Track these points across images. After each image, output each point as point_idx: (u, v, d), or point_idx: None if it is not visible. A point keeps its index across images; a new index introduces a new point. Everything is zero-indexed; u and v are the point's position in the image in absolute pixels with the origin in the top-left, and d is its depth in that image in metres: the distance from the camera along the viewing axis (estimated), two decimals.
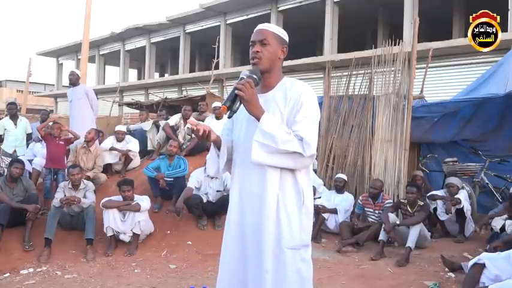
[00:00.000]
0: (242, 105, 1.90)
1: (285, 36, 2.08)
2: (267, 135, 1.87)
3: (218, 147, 2.12)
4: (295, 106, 1.96)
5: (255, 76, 1.94)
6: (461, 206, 5.47)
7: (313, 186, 6.04)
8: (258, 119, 1.90)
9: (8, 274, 4.39)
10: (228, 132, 2.20)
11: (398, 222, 5.08)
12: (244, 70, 1.99)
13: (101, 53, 28.19)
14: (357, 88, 6.91)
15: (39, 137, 6.74)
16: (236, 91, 1.87)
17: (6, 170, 5.63)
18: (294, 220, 1.98)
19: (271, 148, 1.87)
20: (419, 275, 4.27)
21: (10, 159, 6.13)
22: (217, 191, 5.57)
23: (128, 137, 7.26)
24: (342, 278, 4.21)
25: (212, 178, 5.64)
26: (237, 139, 2.10)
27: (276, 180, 1.95)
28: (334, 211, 5.78)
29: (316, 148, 1.95)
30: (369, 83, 6.75)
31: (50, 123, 6.27)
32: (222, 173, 2.20)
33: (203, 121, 7.76)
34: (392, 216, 5.15)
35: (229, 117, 1.94)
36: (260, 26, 2.07)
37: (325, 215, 5.72)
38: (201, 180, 5.68)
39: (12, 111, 7.57)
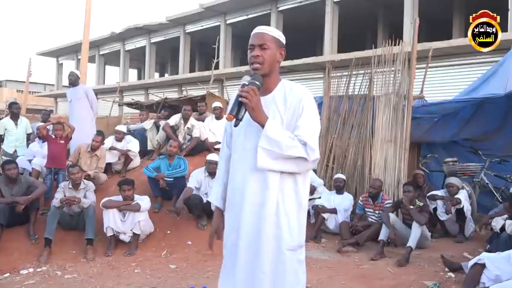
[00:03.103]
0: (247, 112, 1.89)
1: (282, 39, 2.07)
2: (272, 142, 1.88)
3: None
4: (296, 110, 1.97)
5: (257, 82, 1.92)
6: (461, 206, 5.47)
7: (313, 186, 6.04)
8: (262, 126, 1.90)
9: (8, 274, 4.40)
10: (229, 142, 2.20)
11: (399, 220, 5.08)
12: (246, 76, 1.98)
13: (101, 53, 28.19)
14: (357, 88, 6.90)
15: (36, 133, 6.73)
16: (241, 99, 1.86)
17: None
18: (293, 222, 1.99)
19: (276, 154, 1.89)
20: (419, 275, 4.27)
21: (10, 159, 6.13)
22: None
23: (128, 137, 7.26)
24: (342, 278, 4.20)
25: (212, 178, 5.64)
26: (236, 140, 2.10)
27: (276, 183, 1.96)
28: (334, 211, 5.78)
29: None
30: (369, 83, 6.75)
31: (51, 126, 6.28)
32: None
33: (203, 121, 7.76)
34: (392, 217, 5.15)
35: (235, 125, 1.93)
36: (259, 30, 2.05)
37: (325, 215, 5.72)
38: (201, 180, 5.68)
39: (18, 110, 7.60)
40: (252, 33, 2.05)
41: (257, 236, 1.97)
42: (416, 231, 4.81)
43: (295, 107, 1.97)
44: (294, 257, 1.99)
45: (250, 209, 1.99)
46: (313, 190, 6.00)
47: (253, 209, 1.98)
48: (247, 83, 1.92)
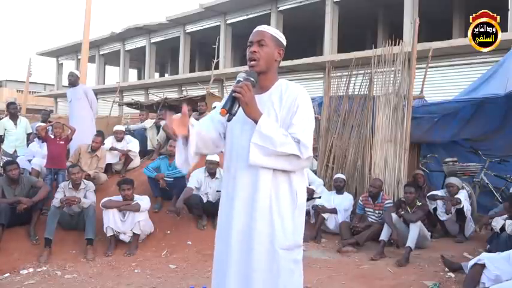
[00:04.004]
0: (241, 108, 1.91)
1: (282, 39, 2.09)
2: (265, 138, 1.88)
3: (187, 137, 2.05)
4: (291, 108, 1.98)
5: (252, 79, 1.95)
6: (461, 206, 5.46)
7: (311, 189, 6.03)
8: (256, 122, 1.91)
9: (8, 274, 4.40)
10: (218, 124, 2.12)
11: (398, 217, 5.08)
12: (241, 73, 2.00)
13: (101, 53, 28.20)
14: (357, 88, 6.90)
15: (35, 133, 6.73)
16: (234, 94, 1.88)
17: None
18: (287, 221, 1.98)
19: (269, 150, 1.89)
20: (419, 275, 4.27)
21: (10, 159, 6.12)
22: (217, 191, 5.56)
23: (127, 137, 7.27)
24: (342, 278, 4.20)
25: (212, 178, 5.65)
26: (232, 137, 2.09)
27: (268, 181, 1.95)
28: (333, 211, 5.78)
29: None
30: (369, 83, 6.74)
31: (49, 127, 6.28)
32: (192, 161, 2.10)
33: None
34: (394, 217, 5.15)
35: (228, 120, 1.93)
36: (259, 28, 2.08)
37: (325, 215, 5.72)
38: (201, 180, 5.68)
39: (16, 110, 7.60)
40: (252, 32, 2.08)
41: (248, 234, 1.96)
42: (414, 230, 4.81)
43: (290, 104, 1.98)
44: (290, 256, 1.98)
45: (241, 207, 1.98)
46: (311, 193, 5.98)
47: (244, 207, 1.98)
48: (241, 79, 1.94)
